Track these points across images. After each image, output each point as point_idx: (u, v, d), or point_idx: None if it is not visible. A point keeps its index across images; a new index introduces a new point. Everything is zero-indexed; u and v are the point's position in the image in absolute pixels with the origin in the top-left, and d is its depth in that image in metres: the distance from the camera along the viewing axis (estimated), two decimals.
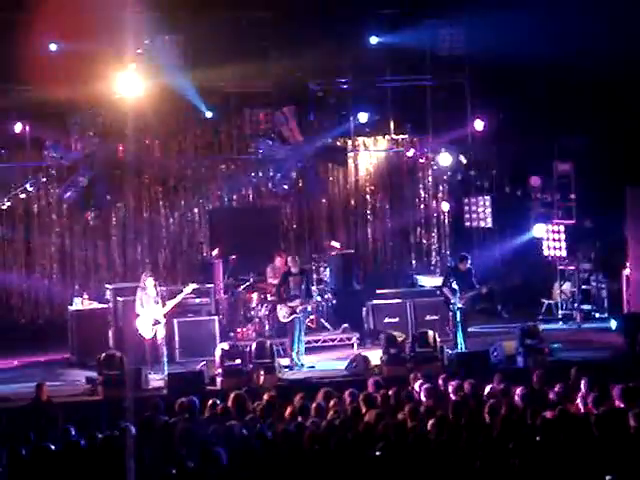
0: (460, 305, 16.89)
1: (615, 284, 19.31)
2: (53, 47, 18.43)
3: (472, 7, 18.66)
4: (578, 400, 11.79)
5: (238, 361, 15.55)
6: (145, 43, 18.58)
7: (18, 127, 19.12)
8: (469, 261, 17.22)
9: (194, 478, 8.97)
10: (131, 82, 18.16)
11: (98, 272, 20.44)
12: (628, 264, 18.90)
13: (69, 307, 18.25)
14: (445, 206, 21.36)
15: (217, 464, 9.23)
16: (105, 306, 18.08)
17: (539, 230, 20.13)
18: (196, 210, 20.98)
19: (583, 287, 19.90)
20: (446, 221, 21.90)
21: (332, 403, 11.73)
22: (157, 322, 16.34)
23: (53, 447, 9.98)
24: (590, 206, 19.73)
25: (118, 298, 17.79)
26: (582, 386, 12.14)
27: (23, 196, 19.59)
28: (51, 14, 16.60)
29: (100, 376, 15.19)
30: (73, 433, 10.86)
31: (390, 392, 12.18)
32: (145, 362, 16.13)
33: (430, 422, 10.39)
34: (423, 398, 12.07)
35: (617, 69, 18.73)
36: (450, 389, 12.42)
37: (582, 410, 11.47)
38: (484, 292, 17.36)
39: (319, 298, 18.80)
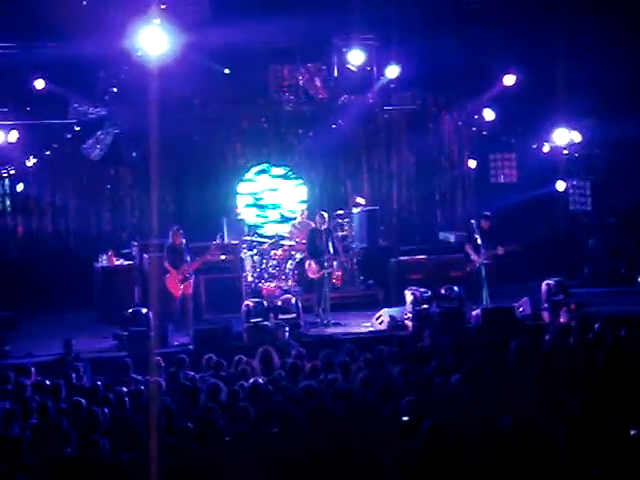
0: (483, 262, 16.92)
1: None
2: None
3: None
4: None
5: (263, 317, 15.61)
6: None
7: (40, 84, 18.47)
8: (491, 220, 17.25)
9: (222, 434, 9.01)
10: (155, 38, 17.98)
11: (125, 229, 20.42)
12: None
13: (95, 264, 18.35)
14: (472, 163, 21.10)
15: (244, 420, 9.31)
16: (131, 262, 18.18)
17: (561, 185, 19.99)
18: None
19: (609, 243, 19.81)
20: (471, 177, 21.76)
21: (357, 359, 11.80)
22: (185, 278, 16.42)
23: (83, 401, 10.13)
24: (616, 161, 19.61)
25: (144, 254, 17.87)
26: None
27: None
28: None
29: (126, 332, 15.31)
30: (101, 388, 11.00)
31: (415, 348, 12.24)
32: (172, 318, 16.24)
33: (455, 377, 10.40)
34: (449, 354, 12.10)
35: None
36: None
37: None
38: (502, 253, 17.19)
39: (344, 255, 18.81)
